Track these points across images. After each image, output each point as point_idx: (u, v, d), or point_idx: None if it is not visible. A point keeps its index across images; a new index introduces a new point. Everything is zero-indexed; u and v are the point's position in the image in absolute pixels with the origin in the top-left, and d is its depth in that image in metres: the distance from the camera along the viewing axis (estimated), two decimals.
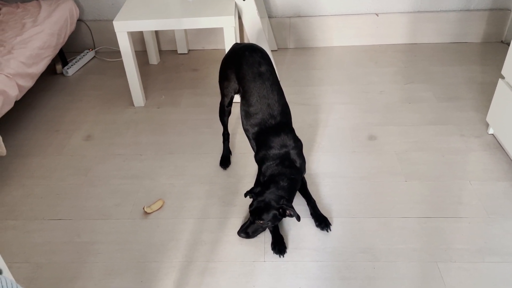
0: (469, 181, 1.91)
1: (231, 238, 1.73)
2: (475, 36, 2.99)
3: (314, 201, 1.81)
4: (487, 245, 1.64)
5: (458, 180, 1.92)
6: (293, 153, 1.70)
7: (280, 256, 1.65)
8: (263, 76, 1.75)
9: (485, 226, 1.71)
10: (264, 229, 1.69)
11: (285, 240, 1.69)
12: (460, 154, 2.07)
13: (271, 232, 1.71)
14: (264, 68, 1.77)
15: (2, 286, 0.84)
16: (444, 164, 2.01)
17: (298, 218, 1.58)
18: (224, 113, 2.00)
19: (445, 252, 1.62)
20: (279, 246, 1.66)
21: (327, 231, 1.73)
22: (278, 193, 1.60)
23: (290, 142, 1.70)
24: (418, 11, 2.91)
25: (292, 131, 1.75)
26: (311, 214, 1.79)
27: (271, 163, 1.69)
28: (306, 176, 1.89)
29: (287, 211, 1.59)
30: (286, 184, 1.63)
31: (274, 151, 1.69)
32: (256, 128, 1.75)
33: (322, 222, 1.74)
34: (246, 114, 1.78)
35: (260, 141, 1.74)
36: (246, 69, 1.78)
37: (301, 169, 1.73)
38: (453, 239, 1.67)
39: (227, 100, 1.95)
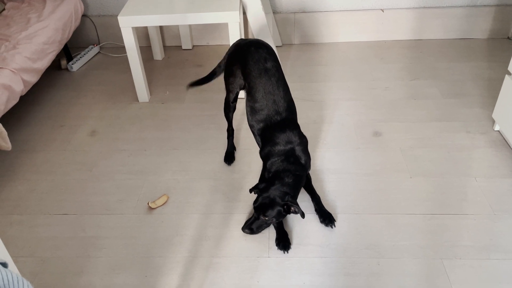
0: (475, 178, 1.90)
1: (236, 233, 1.73)
2: (481, 32, 2.97)
3: (319, 197, 1.81)
4: (492, 242, 1.63)
5: (463, 177, 1.91)
6: (298, 150, 1.70)
7: (284, 252, 1.65)
8: (269, 72, 1.75)
9: (490, 223, 1.70)
10: (268, 225, 1.69)
11: (289, 236, 1.69)
12: (465, 150, 2.06)
13: (276, 228, 1.71)
14: (270, 64, 1.77)
15: (8, 280, 0.85)
16: (449, 161, 2.00)
17: (303, 215, 1.58)
18: (229, 108, 2.00)
19: (450, 249, 1.62)
20: (283, 242, 1.66)
21: (332, 227, 1.73)
22: (283, 190, 1.60)
23: (295, 139, 1.70)
24: (424, 7, 2.89)
25: (297, 127, 1.75)
26: (316, 210, 1.79)
27: (276, 159, 1.69)
28: (310, 172, 1.88)
29: (292, 208, 1.59)
30: (291, 180, 1.63)
31: (279, 148, 1.69)
32: (261, 124, 1.75)
33: (327, 218, 1.74)
34: (251, 110, 1.77)
35: (266, 137, 1.73)
36: (252, 65, 1.77)
37: (306, 165, 1.72)
38: (458, 236, 1.66)
39: (232, 96, 1.94)
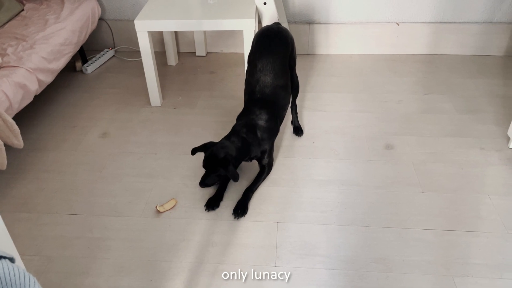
0: (488, 195, 1.87)
1: (243, 241, 1.71)
2: (497, 49, 2.94)
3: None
4: (505, 261, 1.59)
5: (476, 194, 1.88)
6: (260, 126, 1.90)
7: (206, 209, 1.85)
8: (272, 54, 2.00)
9: (503, 242, 1.67)
10: (218, 178, 1.86)
11: (296, 245, 1.67)
12: (479, 167, 2.02)
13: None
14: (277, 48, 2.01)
15: (15, 275, 0.84)
16: (462, 177, 1.97)
17: (234, 178, 1.75)
18: None
19: (462, 266, 1.58)
20: (210, 201, 1.87)
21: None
22: (226, 150, 1.80)
23: (263, 117, 1.91)
24: (440, 22, 2.88)
25: (273, 109, 1.94)
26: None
27: (239, 126, 1.91)
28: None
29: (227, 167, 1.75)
30: (239, 144, 1.83)
31: (245, 118, 1.94)
32: (246, 97, 2.02)
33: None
34: (246, 81, 2.04)
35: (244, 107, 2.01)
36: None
37: (262, 143, 1.90)
38: (470, 253, 1.63)
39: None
